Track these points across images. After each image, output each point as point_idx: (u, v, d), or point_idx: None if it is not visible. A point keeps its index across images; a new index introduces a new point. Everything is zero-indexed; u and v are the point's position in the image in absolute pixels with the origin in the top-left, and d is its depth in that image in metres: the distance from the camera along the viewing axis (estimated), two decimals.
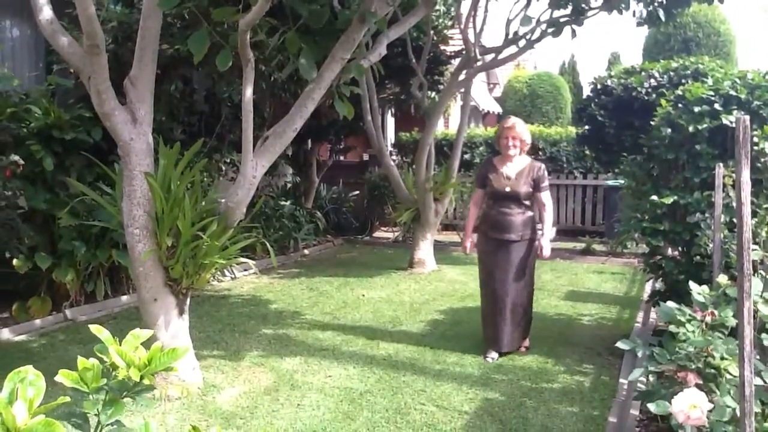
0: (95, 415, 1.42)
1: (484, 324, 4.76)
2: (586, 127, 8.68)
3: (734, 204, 3.30)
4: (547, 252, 4.60)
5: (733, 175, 3.04)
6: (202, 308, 5.98)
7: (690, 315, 2.78)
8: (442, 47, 9.84)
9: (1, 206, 4.90)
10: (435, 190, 8.09)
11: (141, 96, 3.72)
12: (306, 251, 9.35)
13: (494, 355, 4.61)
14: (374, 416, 3.61)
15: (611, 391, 4.00)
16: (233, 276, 7.30)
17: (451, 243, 10.01)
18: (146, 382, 1.48)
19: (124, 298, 6.08)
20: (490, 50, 7.99)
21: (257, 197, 5.87)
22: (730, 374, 2.51)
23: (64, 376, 1.42)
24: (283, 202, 9.29)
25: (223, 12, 3.55)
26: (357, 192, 11.49)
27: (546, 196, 4.70)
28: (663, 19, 6.13)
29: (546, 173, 4.74)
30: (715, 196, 3.69)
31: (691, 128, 4.18)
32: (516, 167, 4.69)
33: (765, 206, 3.59)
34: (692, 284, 2.99)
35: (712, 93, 4.27)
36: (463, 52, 8.04)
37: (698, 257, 4.12)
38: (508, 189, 4.63)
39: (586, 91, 9.91)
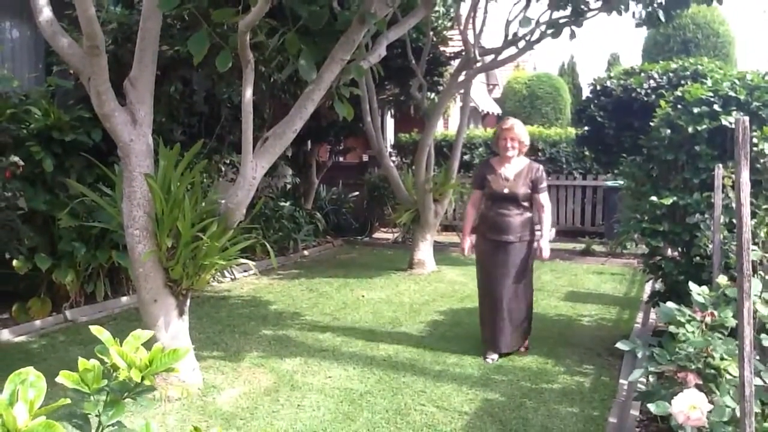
0: (96, 416, 1.42)
1: (482, 325, 4.76)
2: (586, 128, 8.66)
3: (734, 205, 3.30)
4: (546, 253, 4.60)
5: (733, 175, 3.05)
6: (202, 309, 5.98)
7: (690, 315, 2.78)
8: (442, 48, 9.83)
9: (1, 207, 4.90)
10: (434, 191, 8.09)
11: (141, 97, 3.73)
12: (306, 252, 9.35)
13: (494, 356, 4.61)
14: (374, 417, 3.61)
15: (611, 392, 4.01)
16: (233, 277, 7.30)
17: (451, 244, 10.00)
18: (147, 383, 1.48)
19: (124, 299, 6.08)
20: (489, 51, 8.00)
21: (257, 198, 5.87)
22: (730, 375, 2.52)
23: (64, 377, 1.42)
24: (282, 203, 9.29)
25: (222, 13, 3.55)
26: (356, 193, 11.49)
27: (544, 198, 4.70)
28: (662, 20, 6.14)
29: (544, 174, 4.74)
30: (715, 196, 3.70)
31: (690, 129, 4.19)
32: (514, 168, 4.69)
33: (764, 207, 3.60)
34: (692, 285, 2.99)
35: (711, 94, 4.27)
36: (463, 53, 8.05)
37: (698, 258, 4.13)
38: (506, 190, 4.63)
39: (586, 92, 9.90)
